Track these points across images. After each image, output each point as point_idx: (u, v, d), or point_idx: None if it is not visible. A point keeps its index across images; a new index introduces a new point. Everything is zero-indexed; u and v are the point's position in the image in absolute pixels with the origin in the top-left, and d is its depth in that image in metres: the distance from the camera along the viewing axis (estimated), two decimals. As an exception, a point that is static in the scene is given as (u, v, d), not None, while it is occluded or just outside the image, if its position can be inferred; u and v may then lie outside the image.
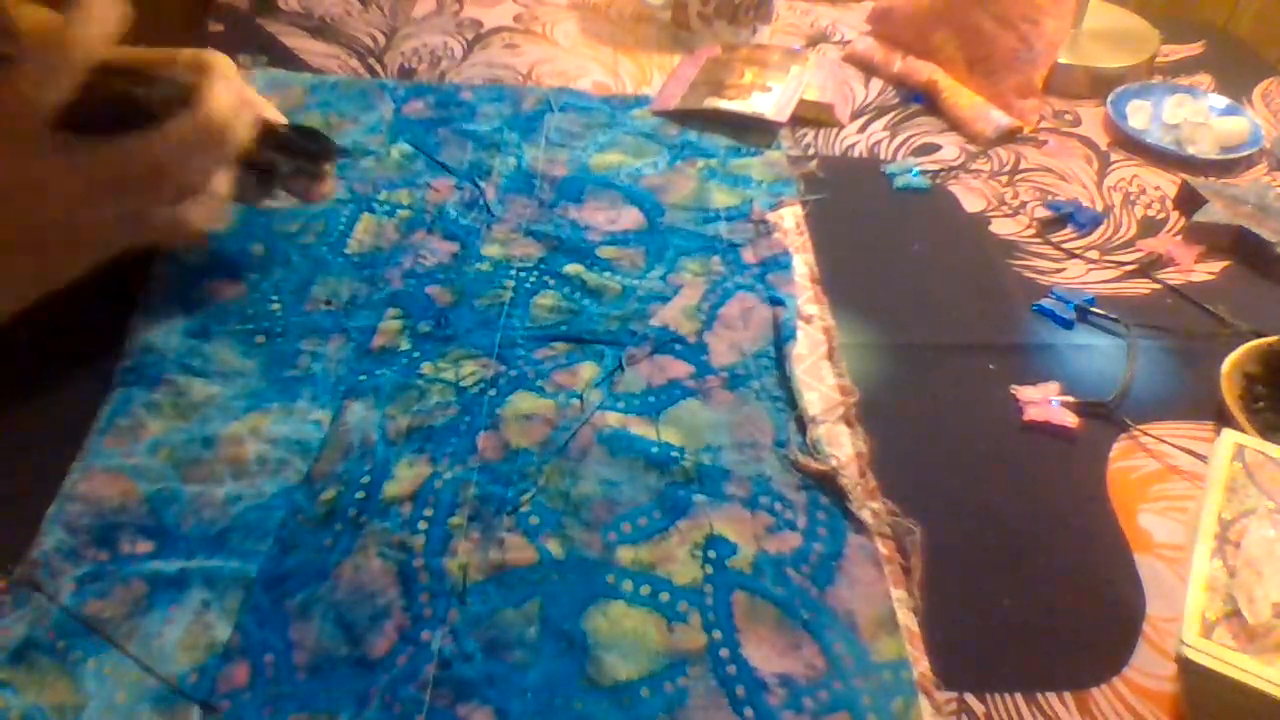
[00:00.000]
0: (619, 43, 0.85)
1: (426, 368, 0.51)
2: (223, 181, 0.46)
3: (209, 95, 0.43)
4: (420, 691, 0.37)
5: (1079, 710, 0.39)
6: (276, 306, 0.54)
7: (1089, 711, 0.39)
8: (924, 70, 0.80)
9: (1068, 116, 0.79)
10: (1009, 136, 0.75)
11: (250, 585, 0.40)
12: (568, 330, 0.54)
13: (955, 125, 0.76)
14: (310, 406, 0.48)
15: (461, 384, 0.50)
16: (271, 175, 0.52)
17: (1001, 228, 0.66)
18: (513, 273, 0.58)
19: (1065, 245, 0.65)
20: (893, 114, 0.78)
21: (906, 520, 0.45)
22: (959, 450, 0.50)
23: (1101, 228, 0.67)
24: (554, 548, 0.43)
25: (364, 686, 0.37)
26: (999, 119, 0.75)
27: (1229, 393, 0.51)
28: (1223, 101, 0.79)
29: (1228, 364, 0.53)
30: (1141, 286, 0.62)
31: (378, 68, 0.77)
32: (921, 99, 0.79)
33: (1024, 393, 0.53)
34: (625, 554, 0.43)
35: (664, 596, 0.42)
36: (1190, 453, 0.50)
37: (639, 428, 0.49)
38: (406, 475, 0.45)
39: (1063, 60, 0.80)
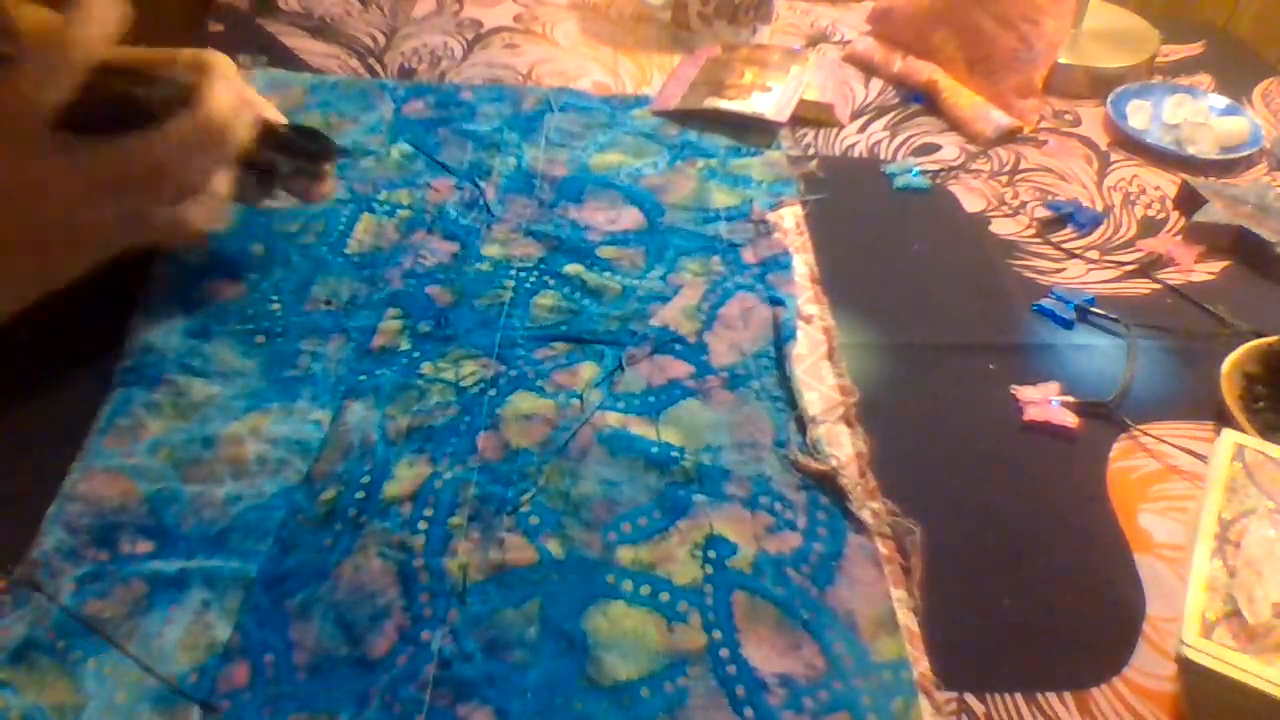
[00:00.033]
0: (619, 43, 0.85)
1: (426, 368, 0.51)
2: (223, 181, 0.46)
3: (209, 95, 0.43)
4: (420, 691, 0.37)
5: (1079, 710, 0.39)
6: (276, 306, 0.54)
7: (1089, 711, 0.39)
8: (924, 70, 0.80)
9: (1068, 116, 0.79)
10: (1009, 136, 0.75)
11: (250, 585, 0.40)
12: (568, 330, 0.54)
13: (955, 125, 0.76)
14: (310, 406, 0.48)
15: (461, 384, 0.50)
16: (271, 175, 0.52)
17: (1001, 228, 0.66)
18: (513, 273, 0.58)
19: (1065, 245, 0.65)
20: (893, 114, 0.78)
21: (906, 520, 0.45)
22: (959, 450, 0.50)
23: (1101, 228, 0.67)
24: (554, 548, 0.43)
25: (364, 686, 0.37)
26: (999, 119, 0.75)
27: (1229, 393, 0.51)
28: (1223, 101, 0.79)
29: (1228, 364, 0.53)
30: (1141, 286, 0.62)
31: (378, 68, 0.77)
32: (921, 99, 0.79)
33: (1024, 393, 0.53)
34: (625, 554, 0.43)
35: (664, 596, 0.42)
36: (1190, 453, 0.50)
37: (639, 428, 0.49)
38: (406, 475, 0.45)
39: (1063, 60, 0.80)
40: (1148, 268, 0.63)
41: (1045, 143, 0.75)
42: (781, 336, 0.54)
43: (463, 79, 0.77)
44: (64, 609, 0.39)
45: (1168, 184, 0.71)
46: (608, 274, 0.58)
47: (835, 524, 0.45)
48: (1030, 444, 0.51)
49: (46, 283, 0.43)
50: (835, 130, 0.75)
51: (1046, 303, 0.59)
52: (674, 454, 0.48)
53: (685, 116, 0.73)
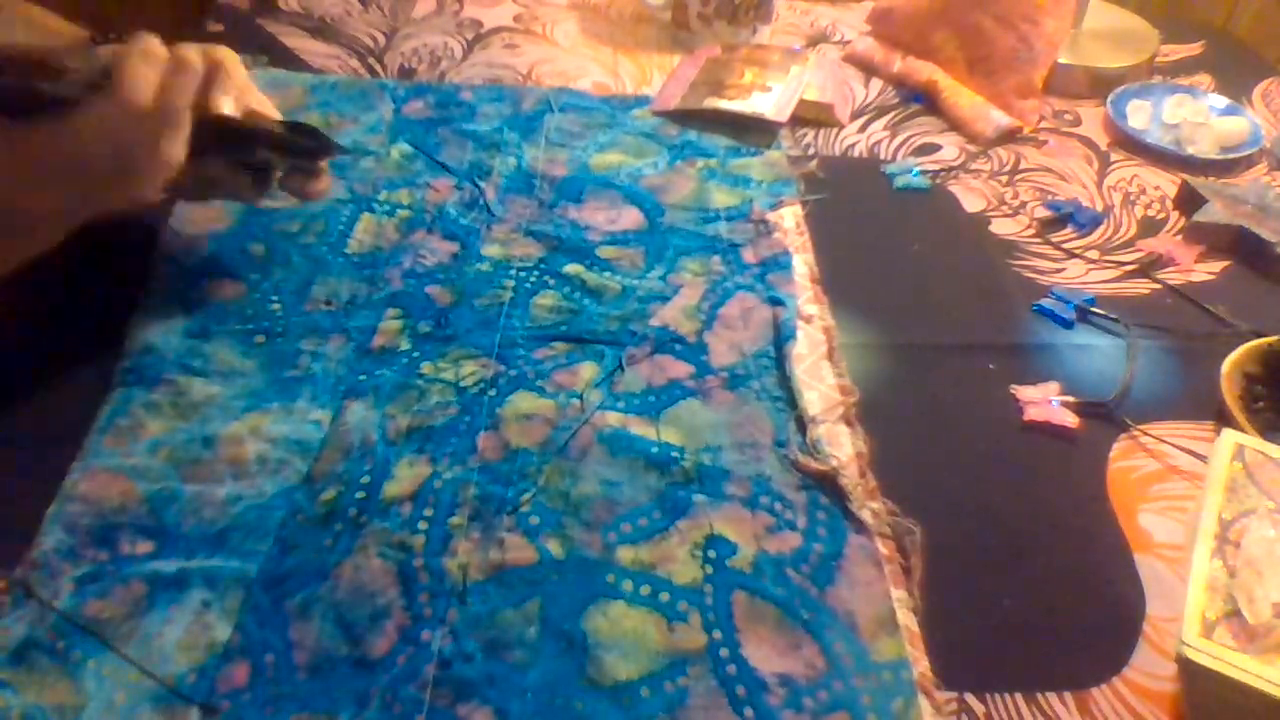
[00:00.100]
0: (619, 43, 0.85)
1: (426, 368, 0.51)
2: (173, 148, 0.45)
3: (126, 76, 0.42)
4: (420, 691, 0.37)
5: (1079, 710, 0.39)
6: (276, 306, 0.54)
7: (1089, 711, 0.39)
8: (924, 70, 0.80)
9: (1068, 116, 0.79)
10: (1009, 136, 0.75)
11: (250, 585, 0.40)
12: (568, 330, 0.54)
13: (955, 125, 0.76)
14: (310, 406, 0.48)
15: (461, 384, 0.50)
16: (267, 174, 0.52)
17: (1001, 228, 0.66)
18: (513, 273, 0.58)
19: (1065, 245, 0.65)
20: (893, 114, 0.78)
21: (906, 520, 0.45)
22: (959, 450, 0.50)
23: (1101, 228, 0.67)
24: (554, 548, 0.43)
25: (364, 686, 0.37)
26: (999, 119, 0.75)
27: (1229, 393, 0.51)
28: (1223, 101, 0.79)
29: (1228, 364, 0.52)
30: (1141, 286, 0.62)
31: (378, 68, 0.77)
32: (921, 99, 0.79)
33: (1024, 393, 0.53)
34: (625, 554, 0.43)
35: (664, 596, 0.41)
36: (1190, 453, 0.50)
37: (639, 428, 0.49)
38: (406, 475, 0.45)
39: (1063, 60, 0.80)
40: (1148, 268, 0.63)
41: (1045, 143, 0.75)
42: (781, 336, 0.54)
43: (463, 79, 0.77)
44: (60, 614, 0.39)
45: (1168, 184, 0.71)
46: (608, 274, 0.58)
47: (835, 524, 0.45)
48: (1030, 444, 0.51)
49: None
50: (835, 130, 0.75)
51: (1046, 303, 0.59)
52: (674, 454, 0.48)
53: (685, 116, 0.73)
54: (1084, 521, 0.47)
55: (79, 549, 0.41)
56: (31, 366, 0.49)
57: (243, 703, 0.37)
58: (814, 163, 0.70)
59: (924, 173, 0.70)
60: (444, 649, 0.39)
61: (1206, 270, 0.64)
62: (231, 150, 0.49)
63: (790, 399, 0.51)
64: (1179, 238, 0.66)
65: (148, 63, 0.43)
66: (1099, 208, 0.69)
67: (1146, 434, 0.51)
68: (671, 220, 0.63)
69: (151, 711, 0.36)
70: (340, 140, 0.65)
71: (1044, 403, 0.52)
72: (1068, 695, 0.40)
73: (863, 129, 0.76)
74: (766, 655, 0.40)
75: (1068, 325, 0.58)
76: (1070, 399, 0.52)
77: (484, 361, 0.52)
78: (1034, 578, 0.44)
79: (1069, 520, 0.47)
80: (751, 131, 0.72)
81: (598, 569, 0.42)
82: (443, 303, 0.55)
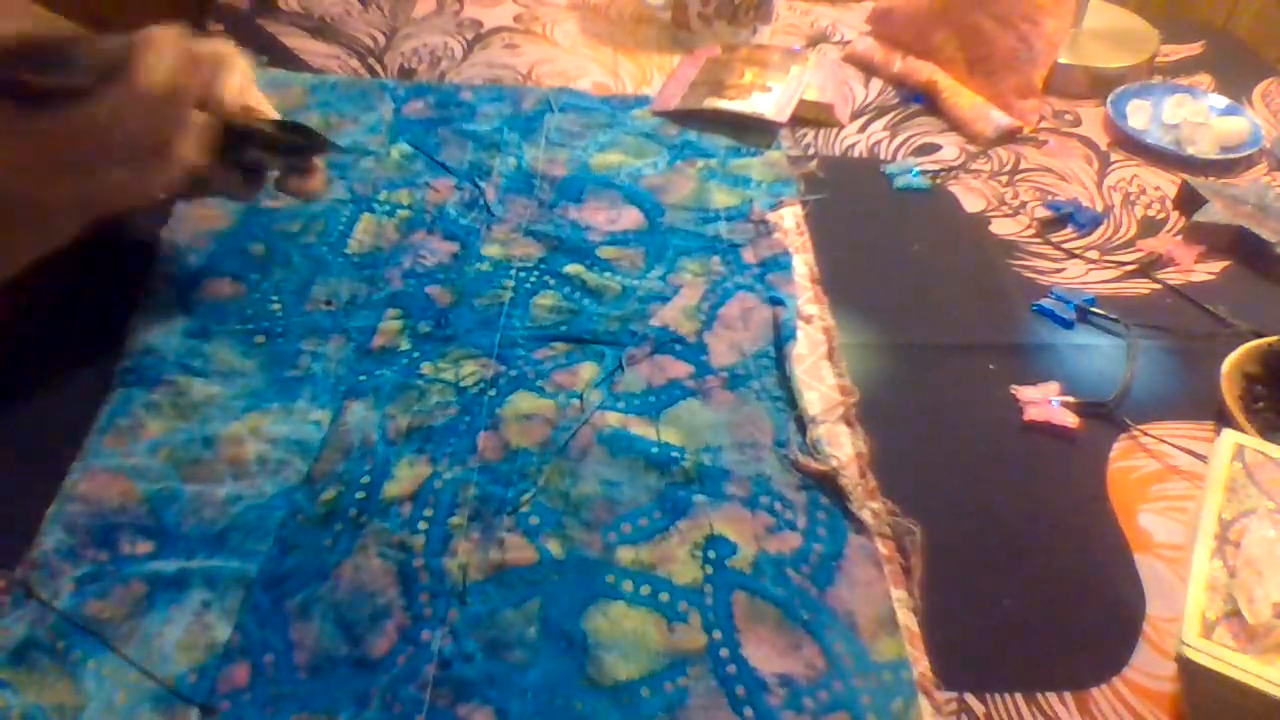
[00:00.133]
0: (619, 43, 0.85)
1: (426, 368, 0.51)
2: (185, 144, 0.45)
3: (142, 66, 0.42)
4: (420, 691, 0.37)
5: (1079, 710, 0.39)
6: (276, 306, 0.54)
7: (1089, 711, 0.39)
8: (924, 70, 0.80)
9: (1068, 116, 0.79)
10: (1009, 136, 0.75)
11: (250, 585, 0.40)
12: (568, 330, 0.54)
13: (955, 125, 0.76)
14: (310, 406, 0.48)
15: (461, 384, 0.50)
16: (259, 174, 0.51)
17: (1001, 228, 0.66)
18: (513, 273, 0.58)
19: (1065, 245, 0.65)
20: (893, 114, 0.78)
21: (906, 520, 0.45)
22: (959, 450, 0.50)
23: (1101, 228, 0.67)
24: (554, 548, 0.43)
25: (364, 686, 0.37)
26: (999, 119, 0.75)
27: (1229, 393, 0.51)
28: (1223, 101, 0.79)
29: (1228, 364, 0.52)
30: (1141, 286, 0.62)
31: (378, 68, 0.77)
32: (921, 99, 0.79)
33: (1024, 393, 0.53)
34: (625, 554, 0.43)
35: (664, 596, 0.41)
36: (1190, 453, 0.50)
37: (639, 428, 0.49)
38: (406, 475, 0.45)
39: (1063, 60, 0.80)
40: (1148, 268, 0.63)
41: (1045, 143, 0.75)
42: (781, 336, 0.54)
43: (463, 79, 0.77)
44: (60, 614, 0.39)
45: (1168, 184, 0.71)
46: (608, 274, 0.58)
47: (835, 524, 0.45)
48: (1030, 444, 0.51)
49: (9, 263, 0.43)
50: (835, 130, 0.75)
51: (1046, 303, 0.59)
52: (674, 454, 0.48)
53: (685, 116, 0.73)
54: (1084, 521, 0.47)
55: (79, 549, 0.41)
56: (31, 366, 0.49)
57: (243, 703, 0.37)
58: (814, 163, 0.70)
59: (924, 173, 0.70)
60: (444, 649, 0.39)
61: (1206, 270, 0.64)
62: (223, 149, 0.49)
63: (790, 399, 0.51)
64: (1179, 238, 0.66)
65: (163, 52, 0.43)
66: (1099, 208, 0.69)
67: (1146, 434, 0.51)
68: (671, 220, 0.63)
69: (151, 712, 0.36)
70: (340, 140, 0.66)
71: (1044, 403, 0.52)
72: (1068, 695, 0.40)
73: (863, 129, 0.76)
74: (766, 655, 0.40)
75: (1068, 325, 0.58)
76: (1070, 399, 0.52)
77: (484, 361, 0.52)
78: (1034, 578, 0.44)
79: (1069, 520, 0.47)
80: (751, 131, 0.72)
81: (598, 569, 0.42)
82: (443, 303, 0.55)
